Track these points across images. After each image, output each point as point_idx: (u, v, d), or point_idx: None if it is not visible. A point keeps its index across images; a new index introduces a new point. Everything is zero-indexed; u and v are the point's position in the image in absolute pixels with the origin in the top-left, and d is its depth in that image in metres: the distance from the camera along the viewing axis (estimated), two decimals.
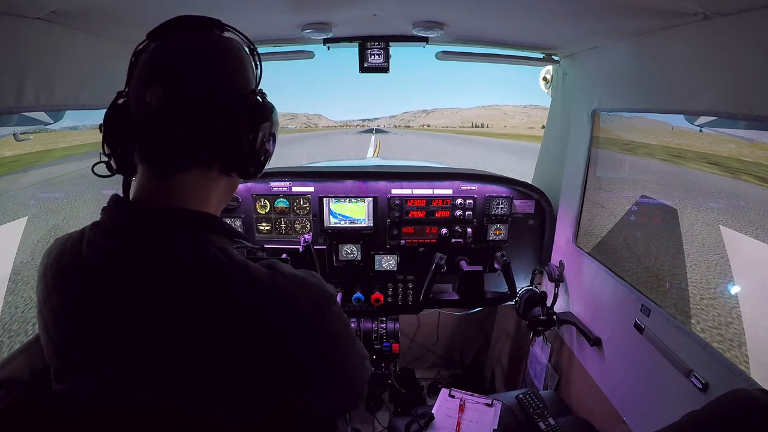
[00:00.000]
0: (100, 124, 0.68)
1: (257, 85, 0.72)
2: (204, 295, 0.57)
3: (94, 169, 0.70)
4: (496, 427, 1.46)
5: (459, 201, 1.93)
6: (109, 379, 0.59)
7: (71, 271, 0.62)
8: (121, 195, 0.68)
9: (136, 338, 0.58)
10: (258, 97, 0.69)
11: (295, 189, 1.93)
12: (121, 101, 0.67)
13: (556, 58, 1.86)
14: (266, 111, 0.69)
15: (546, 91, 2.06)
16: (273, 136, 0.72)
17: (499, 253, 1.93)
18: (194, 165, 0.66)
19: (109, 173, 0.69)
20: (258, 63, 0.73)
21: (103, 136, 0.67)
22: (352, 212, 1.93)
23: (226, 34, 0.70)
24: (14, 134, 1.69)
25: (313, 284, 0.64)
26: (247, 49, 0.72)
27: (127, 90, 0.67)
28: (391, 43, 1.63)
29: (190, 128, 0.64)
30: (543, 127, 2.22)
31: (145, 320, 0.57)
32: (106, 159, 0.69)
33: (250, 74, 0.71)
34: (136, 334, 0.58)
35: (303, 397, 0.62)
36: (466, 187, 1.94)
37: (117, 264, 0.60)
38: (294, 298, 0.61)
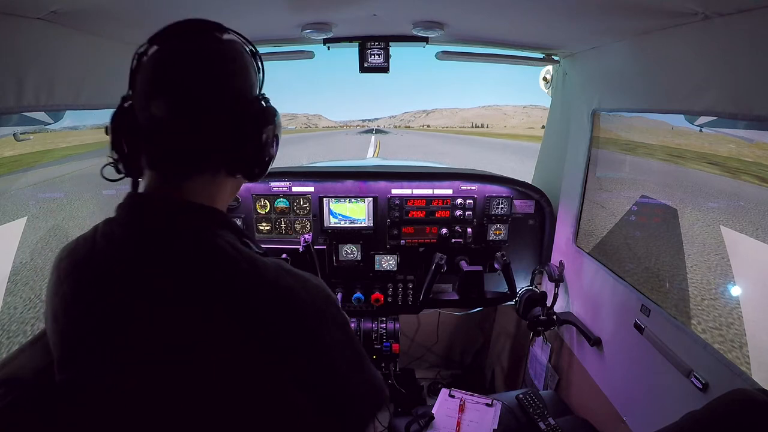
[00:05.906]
0: (106, 126, 0.68)
1: (260, 88, 0.71)
2: (211, 285, 0.58)
3: (103, 171, 0.70)
4: (496, 427, 1.46)
5: (459, 201, 1.93)
6: (112, 367, 0.59)
7: (84, 260, 0.63)
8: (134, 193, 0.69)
9: (143, 326, 0.58)
10: (262, 102, 0.69)
11: (295, 189, 1.93)
12: (127, 105, 0.66)
13: (556, 58, 1.86)
14: (270, 115, 0.69)
15: (546, 91, 2.06)
16: (276, 139, 0.73)
17: (499, 253, 1.93)
18: (203, 172, 0.67)
19: (119, 176, 0.70)
20: (260, 66, 0.72)
21: (111, 141, 0.67)
22: (352, 212, 1.93)
23: (226, 36, 0.69)
24: (14, 134, 1.69)
25: (314, 285, 0.66)
26: (249, 53, 0.71)
27: (131, 93, 0.67)
28: (391, 43, 1.63)
29: (198, 139, 0.64)
30: (543, 127, 2.22)
31: (152, 309, 0.58)
32: (113, 162, 0.68)
33: (253, 79, 0.70)
34: (143, 322, 0.59)
35: (302, 397, 0.62)
36: (466, 187, 1.94)
37: (128, 253, 0.61)
38: (296, 295, 0.62)
